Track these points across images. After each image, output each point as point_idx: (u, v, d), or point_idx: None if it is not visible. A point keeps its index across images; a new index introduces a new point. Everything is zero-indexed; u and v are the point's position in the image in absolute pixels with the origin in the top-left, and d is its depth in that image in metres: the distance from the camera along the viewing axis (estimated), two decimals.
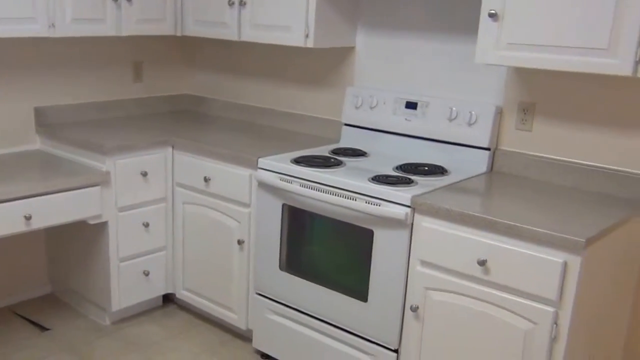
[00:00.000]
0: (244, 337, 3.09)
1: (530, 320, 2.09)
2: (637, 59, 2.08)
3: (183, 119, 3.62)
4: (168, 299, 3.41)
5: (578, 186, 2.55)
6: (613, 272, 2.29)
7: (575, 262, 1.99)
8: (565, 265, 2.00)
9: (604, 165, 2.50)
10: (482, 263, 2.14)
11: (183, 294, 3.25)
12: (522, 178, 2.65)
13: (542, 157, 2.64)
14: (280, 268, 2.75)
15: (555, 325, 2.05)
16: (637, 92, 2.41)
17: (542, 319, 2.07)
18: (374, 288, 2.46)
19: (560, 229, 2.03)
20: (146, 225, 3.10)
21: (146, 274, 3.15)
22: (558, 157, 2.61)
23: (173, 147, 3.14)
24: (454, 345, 2.27)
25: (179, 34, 3.39)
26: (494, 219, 2.11)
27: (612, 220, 2.16)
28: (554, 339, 2.06)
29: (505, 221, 2.09)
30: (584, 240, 1.95)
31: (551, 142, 2.62)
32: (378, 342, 2.49)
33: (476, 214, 2.15)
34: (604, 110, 2.49)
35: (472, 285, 2.19)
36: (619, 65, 2.12)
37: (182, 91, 3.94)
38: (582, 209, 2.27)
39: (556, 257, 2.01)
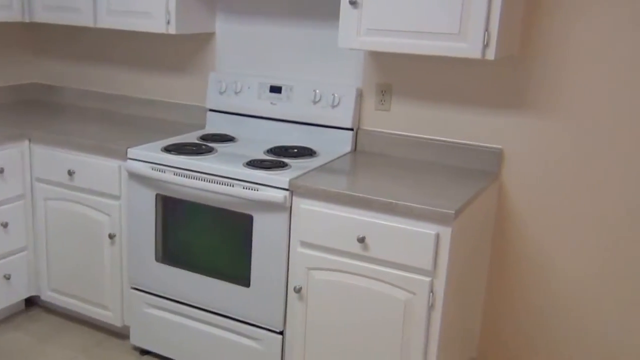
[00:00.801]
0: (121, 334, 2.99)
1: (409, 291, 2.23)
2: (485, 43, 2.26)
3: (35, 110, 3.38)
4: (31, 302, 3.20)
5: (436, 161, 2.74)
6: (474, 239, 2.51)
7: (446, 232, 2.16)
8: (437, 236, 2.16)
9: (458, 140, 2.71)
10: (361, 240, 2.25)
11: (49, 296, 3.07)
12: (385, 156, 2.80)
13: (401, 135, 2.80)
14: (157, 260, 2.70)
15: (431, 293, 2.21)
16: (484, 72, 2.63)
17: (419, 289, 2.22)
18: (256, 272, 2.49)
19: (431, 203, 2.18)
20: (4, 225, 2.88)
21: (7, 277, 2.93)
22: (415, 135, 2.79)
23: (30, 140, 2.93)
24: (338, 321, 2.37)
25: (26, 20, 3.15)
26: (371, 197, 2.22)
27: (472, 191, 2.36)
28: (431, 307, 2.23)
29: (382, 199, 2.21)
30: (453, 212, 2.12)
31: (408, 120, 2.79)
32: (263, 325, 2.53)
33: (354, 194, 2.25)
34: (456, 89, 2.69)
35: (353, 262, 2.30)
36: (468, 49, 2.29)
37: (31, 79, 3.67)
38: (445, 182, 2.45)
39: (429, 230, 2.16)
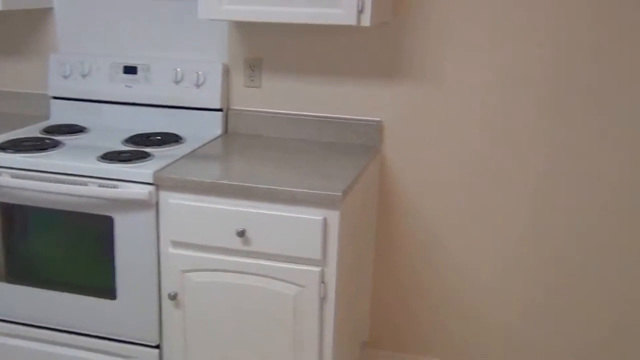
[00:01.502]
0: None
1: (298, 285, 2.02)
2: (360, 9, 2.08)
3: None
4: None
5: (314, 138, 2.54)
6: (360, 220, 2.33)
7: (334, 216, 1.96)
8: (325, 222, 1.96)
9: (336, 115, 2.52)
10: (241, 234, 2.00)
11: None
12: (259, 137, 2.56)
13: (274, 113, 2.58)
14: (0, 279, 2.29)
15: (322, 284, 2.01)
16: (359, 41, 2.45)
17: (309, 281, 2.01)
18: (122, 282, 2.17)
19: (315, 185, 1.97)
20: None
21: None
22: (290, 112, 2.57)
23: None
24: (222, 326, 2.11)
25: None
26: (249, 185, 1.98)
27: (357, 168, 2.17)
28: (323, 299, 2.03)
29: (261, 186, 1.97)
30: (340, 194, 1.92)
31: (282, 97, 2.57)
32: (136, 341, 2.22)
33: (229, 183, 1.99)
34: (331, 61, 2.50)
35: (234, 259, 2.04)
36: (343, 15, 2.11)
37: None
38: (326, 161, 2.25)
39: (316, 215, 1.95)
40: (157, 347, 2.21)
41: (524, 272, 2.53)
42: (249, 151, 2.35)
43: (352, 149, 2.42)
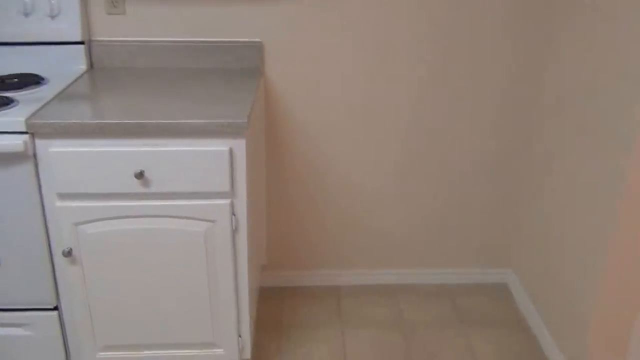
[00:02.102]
0: None
1: (207, 220, 1.92)
2: None
3: None
4: None
5: (191, 65, 2.37)
6: (256, 144, 2.25)
7: (240, 145, 1.86)
8: (231, 152, 1.85)
9: (213, 39, 2.36)
10: (139, 175, 1.83)
11: None
12: (131, 69, 2.35)
13: (144, 41, 2.36)
14: None
15: (233, 216, 1.92)
16: None
17: (219, 215, 1.91)
18: (4, 245, 1.93)
19: (216, 115, 1.84)
20: None
21: None
22: (161, 39, 2.37)
23: None
24: (128, 275, 1.97)
25: None
26: (142, 121, 1.80)
27: (250, 93, 2.06)
28: (235, 231, 1.95)
29: (157, 121, 1.80)
30: (246, 121, 1.81)
31: (150, 23, 2.34)
32: (30, 306, 2.01)
33: (118, 122, 1.80)
34: None
35: (134, 203, 1.88)
36: None
37: None
38: (214, 88, 2.11)
39: (221, 146, 1.84)
40: (55, 308, 2.02)
41: (403, 183, 2.61)
42: (125, 86, 2.14)
43: (235, 74, 2.29)
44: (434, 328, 2.55)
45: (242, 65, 2.37)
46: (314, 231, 2.69)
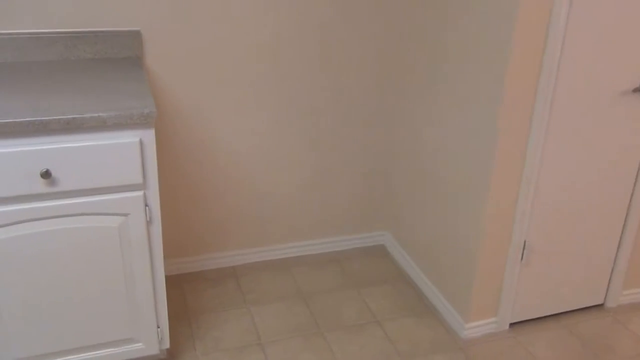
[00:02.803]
0: None
1: (121, 214, 1.89)
2: None
3: None
4: None
5: (65, 57, 2.27)
6: None
7: (149, 135, 1.85)
8: (141, 143, 1.84)
9: (88, 29, 2.28)
10: (46, 175, 1.76)
11: None
12: (3, 64, 2.20)
13: (10, 34, 2.21)
14: None
15: (147, 207, 1.92)
16: None
17: (133, 208, 1.89)
18: None
19: (122, 106, 1.82)
20: None
21: None
22: (30, 30, 2.23)
23: None
24: (41, 281, 1.88)
25: None
26: (45, 118, 1.72)
27: (141, 82, 2.04)
28: (149, 222, 1.94)
29: (61, 117, 1.74)
30: (155, 111, 1.81)
31: (13, 12, 2.19)
32: None
33: (16, 120, 1.70)
34: None
35: (41, 204, 1.80)
36: None
37: None
38: (103, 79, 2.06)
39: (131, 138, 1.82)
40: None
41: (280, 158, 2.74)
42: (3, 82, 2.01)
43: (115, 64, 2.24)
44: (330, 293, 2.70)
45: (121, 55, 2.32)
46: (201, 216, 2.72)
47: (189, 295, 2.63)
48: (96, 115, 1.76)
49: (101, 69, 2.17)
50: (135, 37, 2.32)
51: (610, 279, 2.63)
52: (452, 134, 2.38)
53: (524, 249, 2.36)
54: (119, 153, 1.81)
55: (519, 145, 2.17)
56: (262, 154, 2.69)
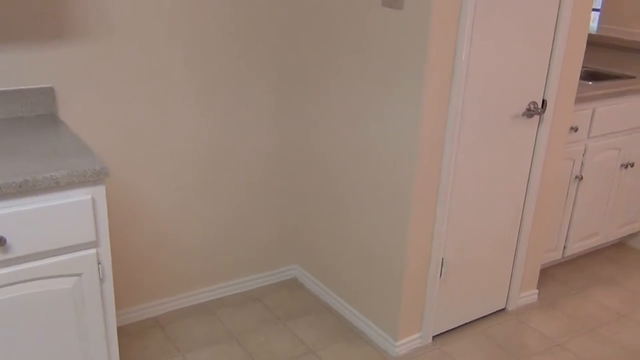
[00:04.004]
0: None
1: (74, 274, 1.85)
2: None
3: None
4: None
5: None
6: None
7: (100, 192, 1.83)
8: (93, 200, 1.82)
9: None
10: (0, 242, 1.70)
11: None
12: None
13: None
14: None
15: (99, 265, 1.89)
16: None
17: (86, 267, 1.86)
18: None
19: (72, 164, 1.79)
20: None
21: None
22: None
23: None
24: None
25: None
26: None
27: (73, 138, 2.02)
28: (102, 280, 1.91)
29: (12, 180, 1.68)
30: (107, 167, 1.81)
31: None
32: None
33: None
34: None
35: None
36: None
37: None
38: (24, 139, 2.01)
39: (84, 196, 1.80)
40: None
41: (195, 203, 2.79)
42: None
43: (33, 122, 2.18)
44: (259, 330, 2.76)
45: (35, 113, 2.26)
46: (112, 270, 2.67)
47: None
48: (49, 175, 1.72)
49: (22, 129, 2.10)
50: (48, 94, 2.27)
51: (510, 285, 2.94)
52: (368, 166, 2.57)
53: (442, 266, 2.59)
54: (73, 212, 1.78)
55: (434, 170, 2.40)
56: (172, 202, 2.70)
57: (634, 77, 3.41)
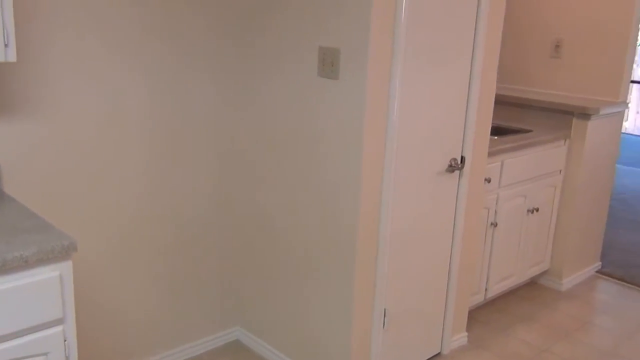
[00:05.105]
0: None
1: (40, 355, 1.83)
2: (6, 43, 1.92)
3: None
4: None
5: None
6: None
7: (67, 268, 1.84)
8: (61, 276, 1.83)
9: None
10: None
11: None
12: None
13: None
14: None
15: (65, 342, 1.88)
16: None
17: (52, 345, 1.84)
18: None
19: (36, 241, 1.80)
20: None
21: None
22: None
23: None
24: None
25: None
26: None
27: (30, 215, 2.02)
28: (67, 358, 1.89)
29: None
30: (75, 242, 1.83)
31: None
32: None
33: None
34: None
35: None
36: None
37: None
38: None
39: (52, 273, 1.80)
40: None
41: (136, 272, 2.81)
42: None
43: None
44: None
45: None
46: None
47: None
48: (18, 255, 1.72)
49: None
50: None
51: (443, 329, 3.12)
52: (309, 221, 2.70)
53: (384, 316, 2.73)
54: (41, 290, 1.78)
55: (373, 224, 2.57)
56: (106, 273, 2.70)
57: (531, 131, 3.78)
